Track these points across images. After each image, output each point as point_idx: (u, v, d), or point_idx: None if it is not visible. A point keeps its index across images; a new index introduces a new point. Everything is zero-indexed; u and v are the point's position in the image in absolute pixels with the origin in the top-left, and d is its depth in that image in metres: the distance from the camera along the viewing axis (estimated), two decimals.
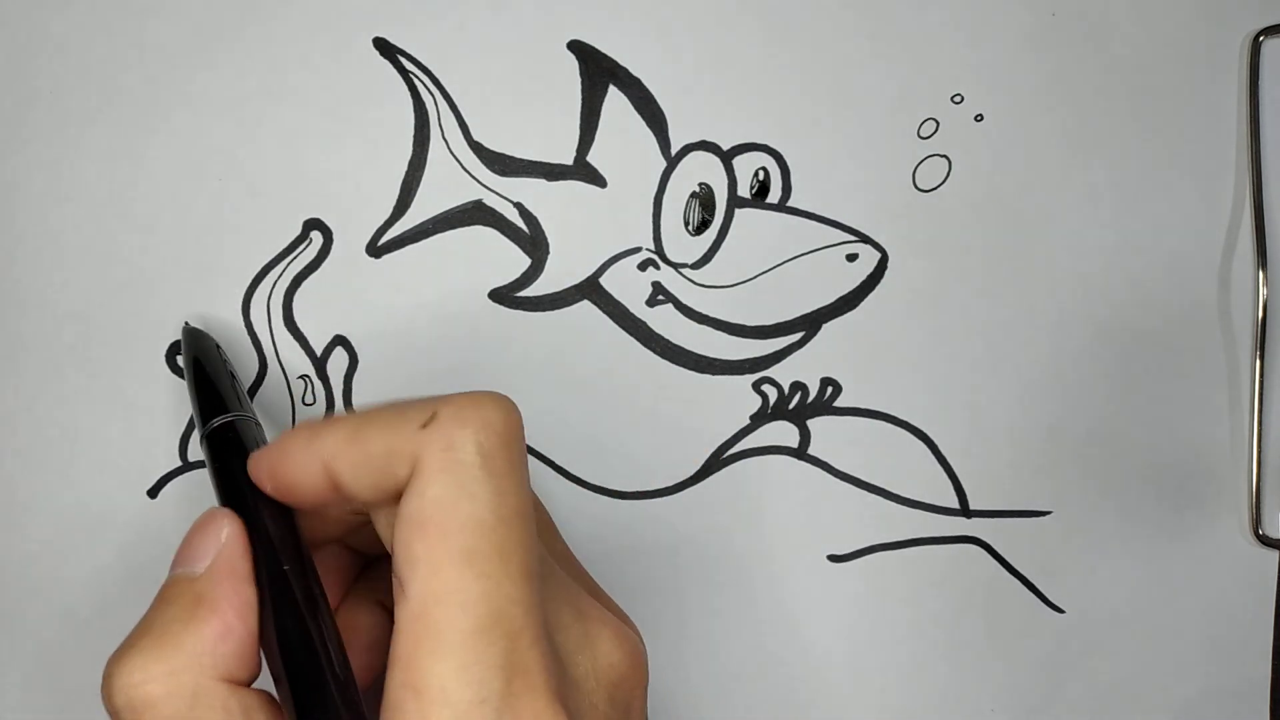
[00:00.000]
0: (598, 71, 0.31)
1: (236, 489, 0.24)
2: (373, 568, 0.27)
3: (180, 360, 0.30)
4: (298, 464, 0.23)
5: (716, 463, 0.32)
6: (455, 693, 0.20)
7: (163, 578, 0.31)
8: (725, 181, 0.31)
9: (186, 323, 0.30)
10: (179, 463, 0.31)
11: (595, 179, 0.31)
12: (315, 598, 0.23)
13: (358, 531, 0.26)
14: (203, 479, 0.31)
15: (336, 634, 0.22)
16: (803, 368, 0.32)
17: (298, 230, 0.31)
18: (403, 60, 0.30)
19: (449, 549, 0.20)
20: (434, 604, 0.20)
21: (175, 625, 0.22)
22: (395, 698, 0.20)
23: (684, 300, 0.31)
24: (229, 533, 0.23)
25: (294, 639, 0.22)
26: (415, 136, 0.31)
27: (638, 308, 0.31)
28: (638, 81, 0.31)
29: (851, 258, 0.31)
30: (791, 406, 0.32)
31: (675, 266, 0.31)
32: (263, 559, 0.23)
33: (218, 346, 0.29)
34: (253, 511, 0.24)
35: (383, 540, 0.24)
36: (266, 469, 0.23)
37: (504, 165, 0.31)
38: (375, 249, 0.31)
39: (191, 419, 0.31)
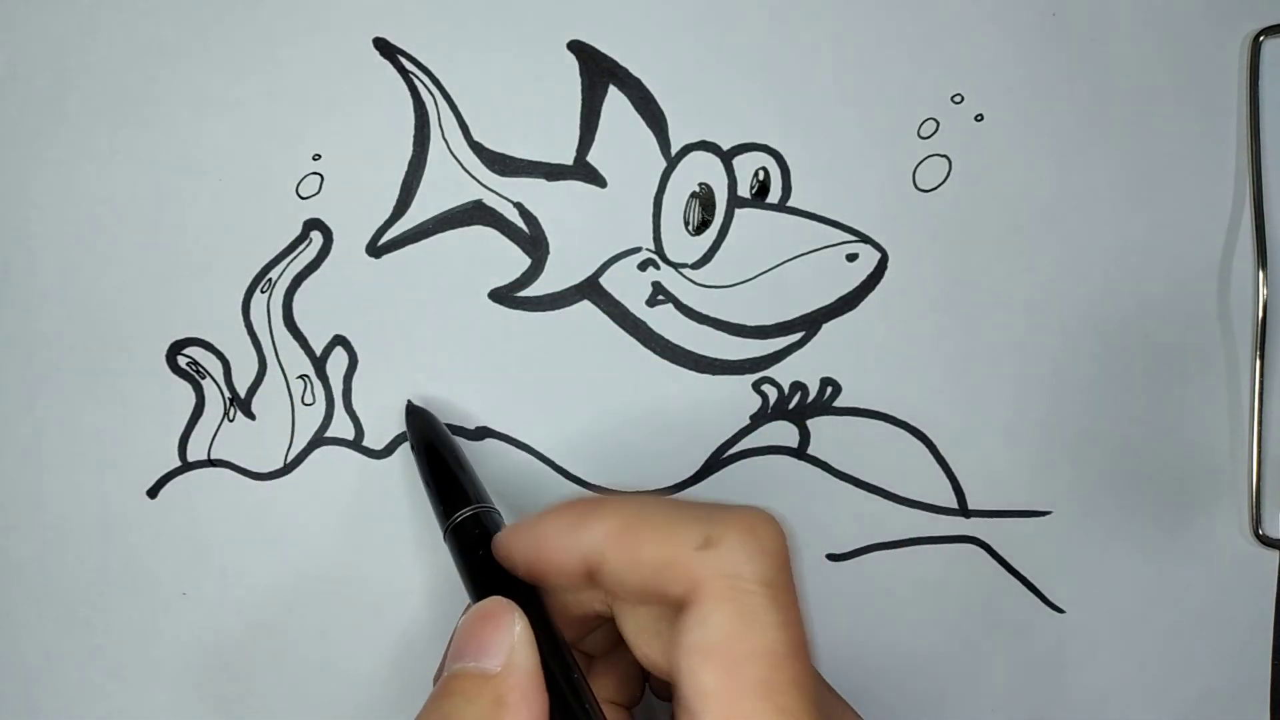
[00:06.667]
0: (598, 71, 0.31)
1: (502, 586, 0.24)
2: (595, 666, 0.27)
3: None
4: (558, 549, 0.22)
5: (716, 463, 0.32)
6: None
7: (163, 578, 0.31)
8: (725, 181, 0.31)
9: (410, 401, 0.30)
10: (179, 463, 0.31)
11: (595, 179, 0.31)
12: (594, 703, 0.23)
13: (590, 635, 0.26)
14: (202, 479, 0.31)
15: None
16: (803, 368, 0.32)
17: (298, 230, 0.31)
18: (403, 60, 0.30)
19: (742, 682, 0.20)
20: None
21: None
22: None
23: (684, 300, 0.31)
24: (522, 630, 0.23)
25: None
26: (415, 136, 0.31)
27: (638, 308, 0.31)
28: (638, 81, 0.31)
29: (851, 258, 0.31)
30: (791, 406, 0.32)
31: (675, 266, 0.31)
32: (549, 660, 0.23)
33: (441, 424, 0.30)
34: (529, 609, 0.23)
35: (625, 636, 0.24)
36: (521, 550, 0.23)
37: (504, 165, 0.31)
38: (375, 249, 0.31)
39: (191, 419, 0.31)
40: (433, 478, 0.28)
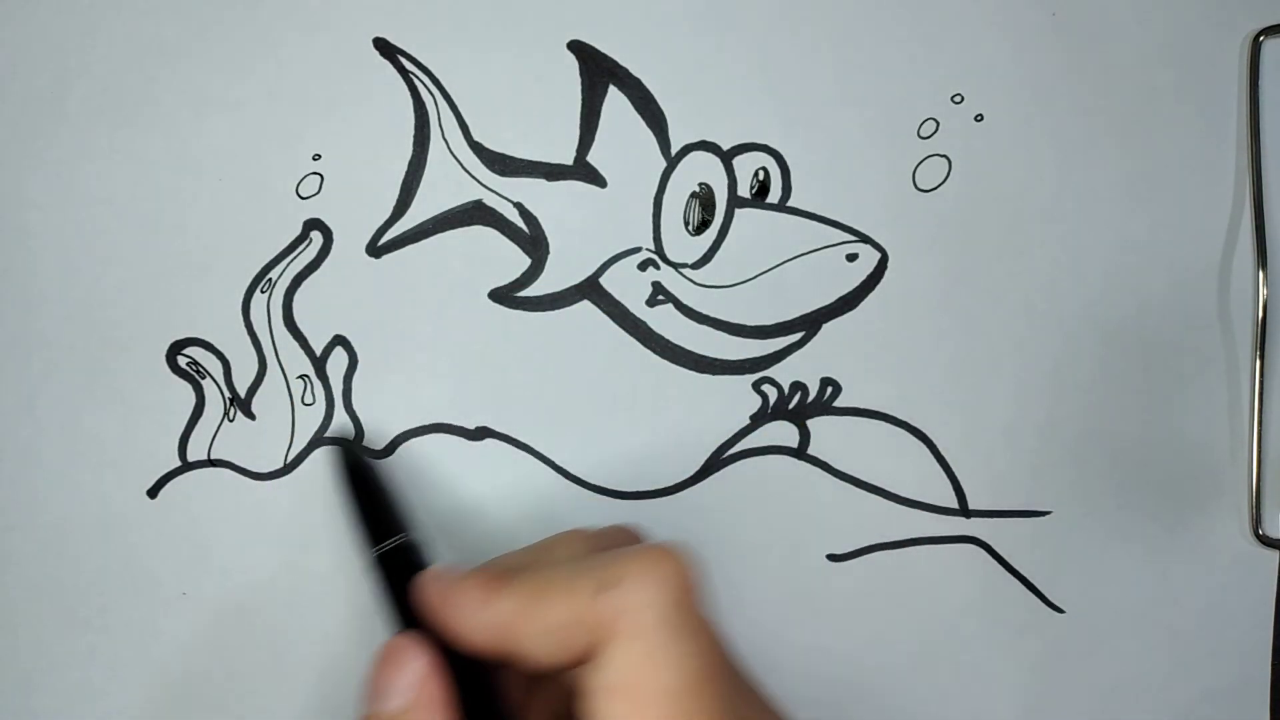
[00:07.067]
0: (598, 71, 0.31)
1: (415, 616, 0.24)
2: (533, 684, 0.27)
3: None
4: (471, 626, 0.23)
5: (716, 463, 0.32)
6: None
7: (163, 578, 0.31)
8: (725, 181, 0.31)
9: (328, 433, 0.30)
10: (179, 463, 0.31)
11: (595, 179, 0.31)
12: None
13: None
14: (202, 479, 0.31)
15: None
16: (803, 368, 0.32)
17: (298, 230, 0.31)
18: (403, 60, 0.30)
19: (650, 717, 0.20)
20: None
21: None
22: None
23: (684, 300, 0.31)
24: (420, 665, 0.23)
25: None
26: (415, 136, 0.31)
27: (638, 308, 0.31)
28: (638, 81, 0.31)
29: (851, 258, 0.31)
30: (791, 406, 0.32)
31: (675, 266, 0.31)
32: (461, 689, 0.23)
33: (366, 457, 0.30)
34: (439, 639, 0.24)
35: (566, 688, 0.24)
36: (439, 623, 0.23)
37: (504, 165, 0.31)
38: (375, 249, 0.31)
39: (191, 419, 0.31)
40: (359, 506, 0.28)
